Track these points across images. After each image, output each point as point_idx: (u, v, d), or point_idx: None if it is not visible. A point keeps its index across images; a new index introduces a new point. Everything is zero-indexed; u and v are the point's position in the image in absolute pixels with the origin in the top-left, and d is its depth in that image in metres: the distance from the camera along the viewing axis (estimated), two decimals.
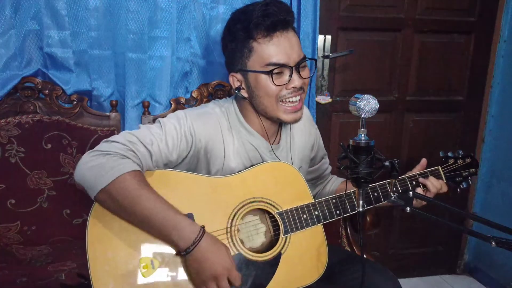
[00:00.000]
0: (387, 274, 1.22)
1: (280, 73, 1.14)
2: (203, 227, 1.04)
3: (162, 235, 1.04)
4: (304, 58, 1.17)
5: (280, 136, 1.30)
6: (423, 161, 1.33)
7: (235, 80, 1.20)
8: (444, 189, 1.29)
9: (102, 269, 1.02)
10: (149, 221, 1.02)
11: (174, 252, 1.07)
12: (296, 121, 1.20)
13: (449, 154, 1.35)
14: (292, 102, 1.17)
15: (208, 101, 1.72)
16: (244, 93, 1.20)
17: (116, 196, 1.00)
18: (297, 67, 1.14)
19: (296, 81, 1.14)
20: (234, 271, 1.04)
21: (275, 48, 1.12)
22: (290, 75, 1.14)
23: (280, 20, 1.12)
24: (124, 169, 1.00)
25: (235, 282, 1.05)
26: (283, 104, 1.17)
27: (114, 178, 0.99)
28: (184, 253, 1.02)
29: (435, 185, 1.26)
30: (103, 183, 0.99)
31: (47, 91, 1.59)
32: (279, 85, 1.14)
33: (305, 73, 1.18)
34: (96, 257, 1.03)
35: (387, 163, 0.95)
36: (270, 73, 1.12)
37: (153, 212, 1.01)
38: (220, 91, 1.74)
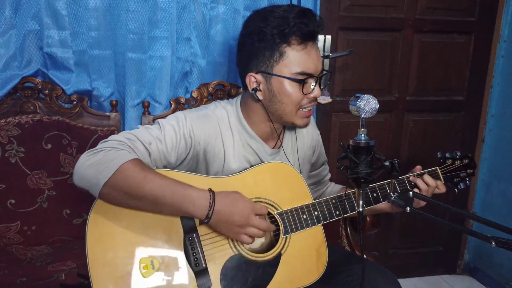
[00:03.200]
0: (387, 274, 1.22)
1: (306, 82, 1.15)
2: (210, 189, 1.06)
3: (176, 210, 1.04)
4: (322, 71, 1.19)
5: (283, 140, 1.30)
6: (417, 168, 1.32)
7: (252, 80, 1.18)
8: (442, 189, 1.29)
9: (102, 271, 1.02)
10: (159, 200, 1.02)
11: (174, 254, 1.07)
12: (306, 125, 1.22)
13: (447, 155, 1.35)
14: (308, 109, 1.19)
15: (208, 101, 1.72)
16: (260, 95, 1.18)
17: (121, 185, 1.00)
18: (321, 77, 1.17)
19: (316, 91, 1.16)
20: (256, 206, 1.10)
21: (306, 58, 1.13)
22: (314, 85, 1.15)
23: (316, 31, 1.14)
24: (123, 159, 1.00)
25: (263, 212, 1.11)
26: (300, 111, 1.18)
27: (115, 169, 0.99)
28: (206, 220, 1.04)
29: (428, 182, 1.25)
30: (105, 177, 0.99)
31: (47, 91, 1.59)
32: (305, 94, 1.15)
33: (322, 84, 1.21)
34: (96, 258, 1.02)
35: (387, 163, 0.95)
36: (301, 81, 1.13)
37: (161, 191, 1.01)
38: (220, 91, 1.74)
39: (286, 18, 1.12)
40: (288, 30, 1.11)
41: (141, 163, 1.04)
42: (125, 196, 1.01)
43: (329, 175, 1.52)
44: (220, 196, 1.06)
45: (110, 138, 1.09)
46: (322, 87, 1.21)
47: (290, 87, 1.14)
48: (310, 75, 1.14)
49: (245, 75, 1.19)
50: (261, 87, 1.17)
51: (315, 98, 1.18)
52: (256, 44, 1.15)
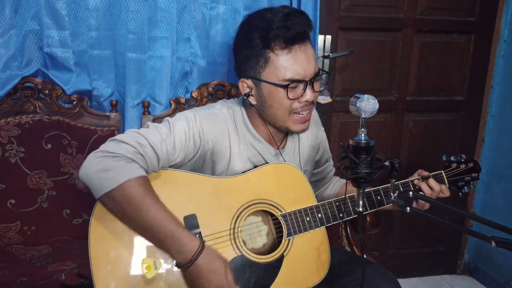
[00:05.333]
0: (387, 275, 1.22)
1: (294, 86, 1.12)
2: (203, 243, 1.03)
3: (161, 246, 1.04)
4: (318, 73, 1.15)
5: (286, 141, 1.30)
6: (421, 172, 1.32)
7: (244, 86, 1.18)
8: (446, 193, 1.28)
9: (104, 269, 1.02)
10: (150, 231, 1.02)
11: None
12: (304, 131, 1.20)
13: (452, 158, 1.34)
14: (302, 115, 1.16)
15: (208, 101, 1.72)
16: (252, 100, 1.18)
17: (120, 201, 1.00)
18: (312, 81, 1.13)
19: (309, 95, 1.13)
20: None
21: (293, 62, 1.10)
22: (304, 89, 1.12)
23: (300, 33, 1.09)
24: (130, 174, 1.00)
25: None
26: (293, 115, 1.16)
27: (120, 183, 0.98)
28: (183, 269, 1.03)
29: (432, 187, 1.25)
30: (108, 187, 0.99)
31: (47, 91, 1.59)
32: (293, 99, 1.12)
33: (317, 86, 1.17)
34: (98, 257, 1.02)
35: (387, 163, 0.95)
36: (285, 87, 1.11)
37: (154, 223, 1.01)
38: (220, 91, 1.74)
39: (269, 22, 1.09)
40: (271, 35, 1.09)
41: (146, 183, 1.03)
42: (121, 212, 1.02)
43: (333, 170, 1.51)
44: (208, 255, 1.02)
45: (120, 138, 1.06)
46: (321, 88, 1.18)
47: (277, 93, 1.12)
48: (298, 81, 1.11)
49: (239, 80, 1.20)
50: (253, 92, 1.17)
51: (309, 102, 1.15)
52: (243, 51, 1.15)
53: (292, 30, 1.08)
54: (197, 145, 1.15)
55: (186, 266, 1.01)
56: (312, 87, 1.14)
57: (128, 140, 1.06)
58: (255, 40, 1.11)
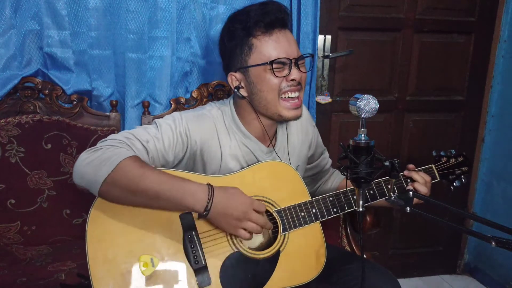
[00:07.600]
0: (386, 275, 1.23)
1: (280, 67, 1.16)
2: (209, 183, 1.06)
3: (175, 204, 1.05)
4: (302, 57, 1.19)
5: (276, 138, 1.31)
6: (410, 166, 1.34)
7: (234, 79, 1.21)
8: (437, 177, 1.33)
9: (102, 268, 1.02)
10: (158, 195, 1.02)
11: (173, 251, 1.07)
12: (297, 117, 1.21)
13: (442, 153, 1.38)
14: (292, 98, 1.18)
15: (208, 101, 1.72)
16: (243, 92, 1.21)
17: (120, 182, 1.01)
18: (296, 61, 1.17)
19: (295, 74, 1.16)
20: (255, 202, 1.09)
21: (275, 45, 1.15)
22: (290, 69, 1.16)
23: (278, 18, 1.15)
24: (121, 156, 1.02)
25: (261, 209, 1.09)
26: (284, 101, 1.18)
27: (114, 166, 1.00)
28: (205, 213, 1.04)
29: (423, 177, 1.27)
30: (104, 174, 1.00)
31: (47, 91, 1.59)
32: (280, 77, 1.16)
33: (303, 68, 1.21)
34: (96, 256, 1.03)
35: (387, 163, 0.95)
36: (271, 64, 1.14)
37: (159, 185, 1.02)
38: (220, 91, 1.74)
39: (248, 13, 1.16)
40: (251, 23, 1.14)
41: (139, 160, 1.05)
42: (125, 192, 1.02)
43: (329, 162, 1.53)
44: (219, 189, 1.06)
45: (108, 137, 1.10)
46: (305, 71, 1.21)
47: (266, 74, 1.16)
48: (283, 61, 1.15)
49: (227, 76, 1.23)
50: (242, 84, 1.20)
51: (297, 83, 1.17)
52: (227, 44, 1.21)
53: (270, 15, 1.14)
54: (184, 144, 1.16)
55: (208, 208, 1.03)
56: (298, 68, 1.17)
57: (115, 136, 1.10)
58: (237, 31, 1.17)
